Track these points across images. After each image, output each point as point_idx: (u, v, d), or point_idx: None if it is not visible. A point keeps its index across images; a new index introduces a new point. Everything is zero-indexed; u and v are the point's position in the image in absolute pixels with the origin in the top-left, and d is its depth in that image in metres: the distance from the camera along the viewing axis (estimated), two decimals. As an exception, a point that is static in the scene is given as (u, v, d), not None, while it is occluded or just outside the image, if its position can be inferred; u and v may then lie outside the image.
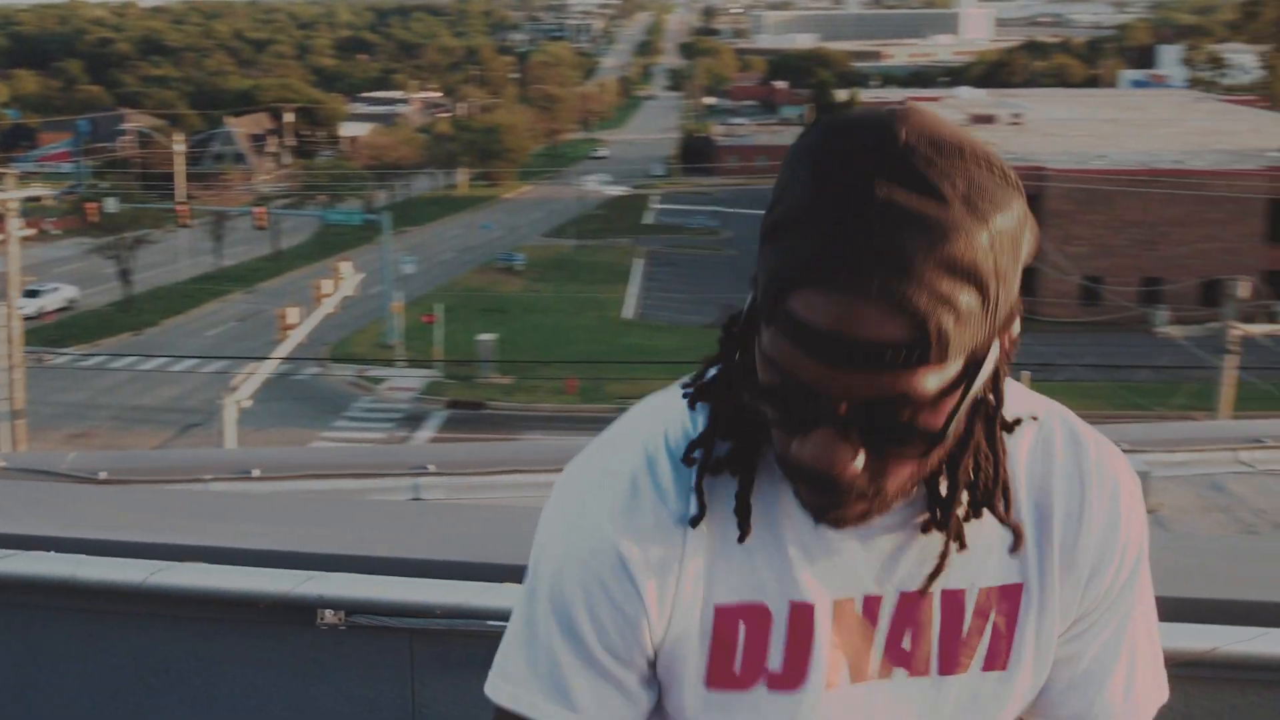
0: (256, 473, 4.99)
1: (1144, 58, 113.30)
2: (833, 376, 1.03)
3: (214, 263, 59.34)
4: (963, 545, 1.18)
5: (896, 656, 1.21)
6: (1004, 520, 1.19)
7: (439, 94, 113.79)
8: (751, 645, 1.19)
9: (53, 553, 2.42)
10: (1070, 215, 45.74)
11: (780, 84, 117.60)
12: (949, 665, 1.22)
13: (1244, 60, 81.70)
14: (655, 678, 1.23)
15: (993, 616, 1.22)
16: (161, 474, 5.14)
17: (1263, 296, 36.69)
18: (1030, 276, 45.13)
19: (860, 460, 1.07)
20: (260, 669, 2.40)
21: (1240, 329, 22.78)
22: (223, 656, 2.42)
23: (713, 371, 1.21)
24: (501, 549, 2.36)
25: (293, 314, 28.80)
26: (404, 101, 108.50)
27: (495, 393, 39.27)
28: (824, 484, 1.09)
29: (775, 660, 1.20)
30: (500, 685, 1.25)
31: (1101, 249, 45.74)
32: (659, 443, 1.20)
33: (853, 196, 1.01)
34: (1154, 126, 58.10)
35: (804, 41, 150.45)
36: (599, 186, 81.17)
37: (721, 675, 1.20)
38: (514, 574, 2.16)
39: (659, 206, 77.05)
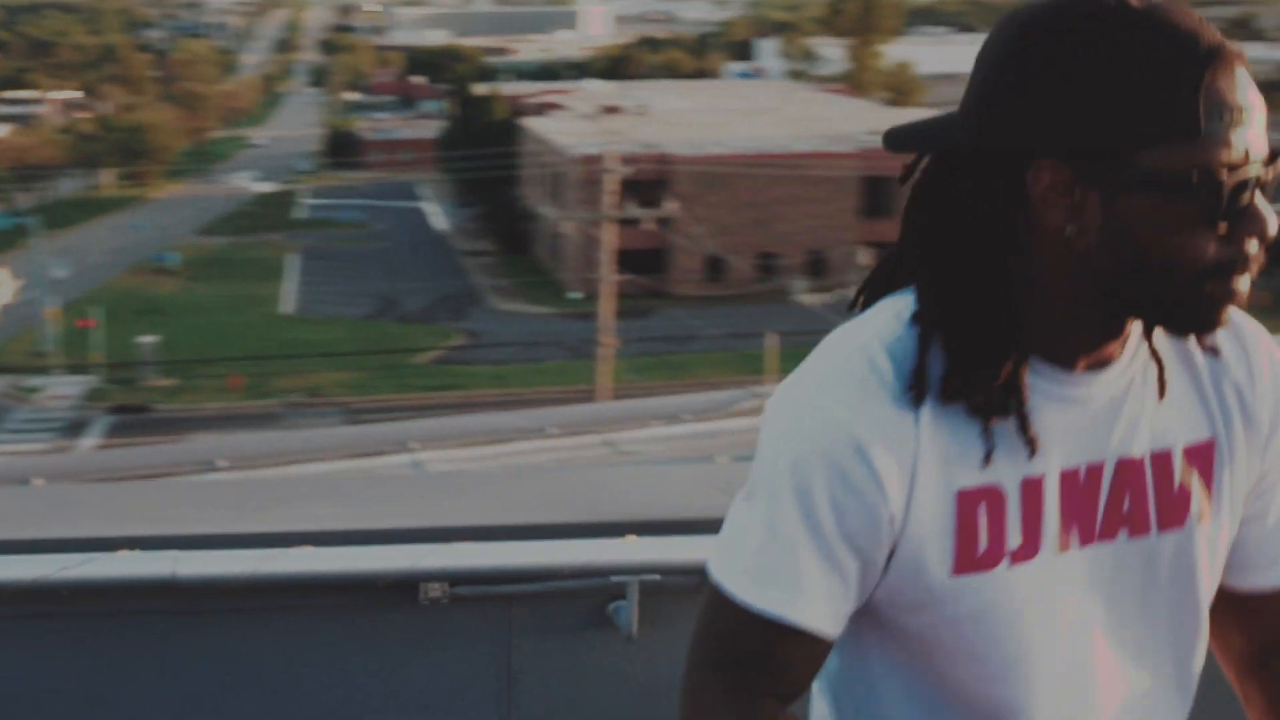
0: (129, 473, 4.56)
1: (745, 51, 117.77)
2: (1251, 136, 1.14)
3: None
4: (1163, 390, 1.26)
5: (1119, 518, 1.26)
6: (1205, 345, 1.28)
7: (78, 93, 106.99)
8: (993, 526, 1.21)
9: (139, 551, 2.15)
10: (694, 198, 47.11)
11: (418, 79, 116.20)
12: (1165, 522, 1.27)
13: (832, 53, 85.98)
14: (882, 569, 1.21)
15: (1195, 473, 1.28)
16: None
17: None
18: (659, 256, 46.49)
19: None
20: (352, 655, 2.23)
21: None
22: (309, 646, 2.25)
23: (891, 302, 1.24)
24: (603, 508, 2.32)
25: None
26: (41, 101, 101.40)
27: (160, 395, 37.33)
28: (1257, 259, 1.16)
29: (1014, 538, 1.21)
30: (734, 576, 1.22)
31: (723, 228, 47.28)
32: (875, 346, 1.21)
33: (1170, 12, 1.15)
34: (760, 115, 60.43)
35: (437, 37, 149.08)
36: (248, 183, 78.17)
37: (967, 559, 1.21)
38: (610, 530, 2.14)
39: (309, 202, 74.74)
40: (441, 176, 73.69)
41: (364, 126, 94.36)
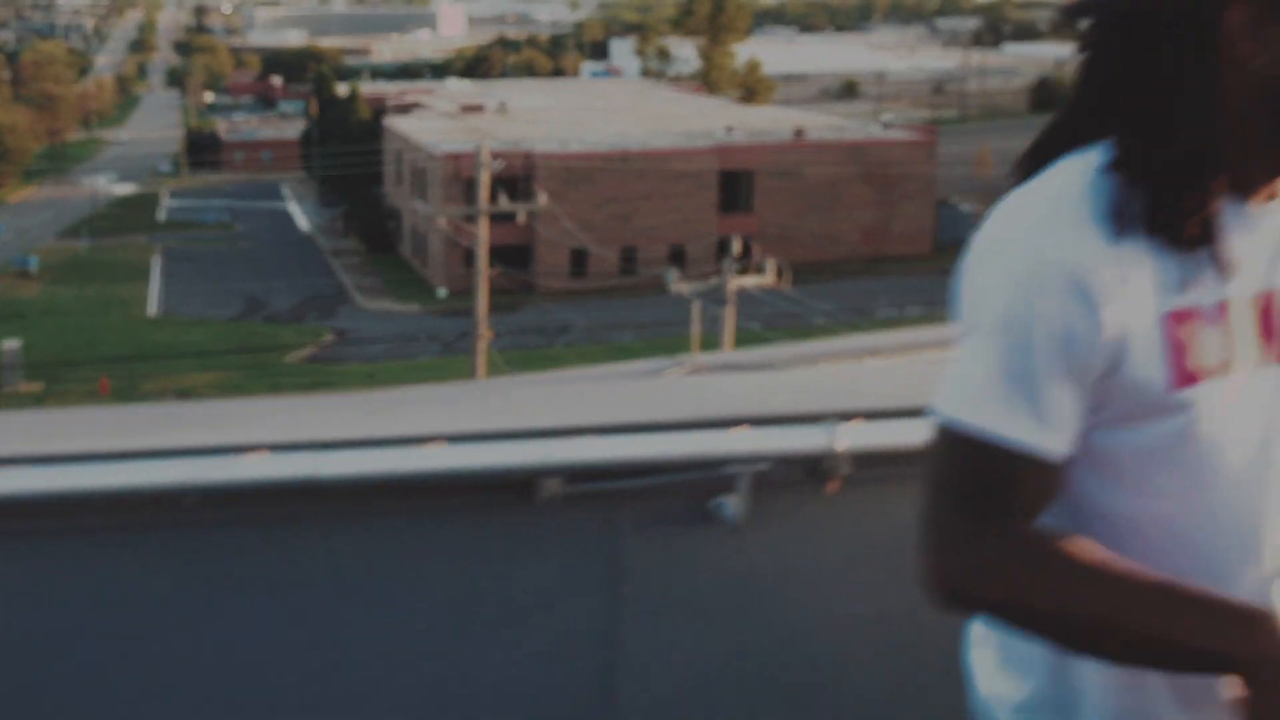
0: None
1: (600, 51, 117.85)
2: None
3: None
4: None
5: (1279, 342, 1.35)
6: None
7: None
8: (1196, 345, 1.29)
9: (274, 453, 2.08)
10: (559, 194, 47.04)
11: (276, 80, 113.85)
12: None
13: (685, 52, 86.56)
14: (1093, 393, 1.28)
15: None
16: None
17: (739, 256, 39.02)
18: (524, 252, 46.26)
19: None
20: (469, 554, 2.21)
21: (737, 283, 24.15)
22: (430, 547, 2.21)
23: (1071, 158, 1.31)
24: (717, 405, 2.31)
25: None
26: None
27: (25, 401, 36.00)
28: None
29: (1221, 353, 1.30)
30: (973, 410, 1.27)
31: (587, 224, 47.33)
32: (1071, 191, 1.29)
33: None
34: (618, 113, 60.60)
35: (295, 38, 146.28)
36: (108, 185, 75.67)
37: (1181, 374, 1.28)
38: (723, 425, 2.18)
39: (171, 203, 72.76)
40: (304, 176, 72.38)
41: (223, 127, 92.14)
